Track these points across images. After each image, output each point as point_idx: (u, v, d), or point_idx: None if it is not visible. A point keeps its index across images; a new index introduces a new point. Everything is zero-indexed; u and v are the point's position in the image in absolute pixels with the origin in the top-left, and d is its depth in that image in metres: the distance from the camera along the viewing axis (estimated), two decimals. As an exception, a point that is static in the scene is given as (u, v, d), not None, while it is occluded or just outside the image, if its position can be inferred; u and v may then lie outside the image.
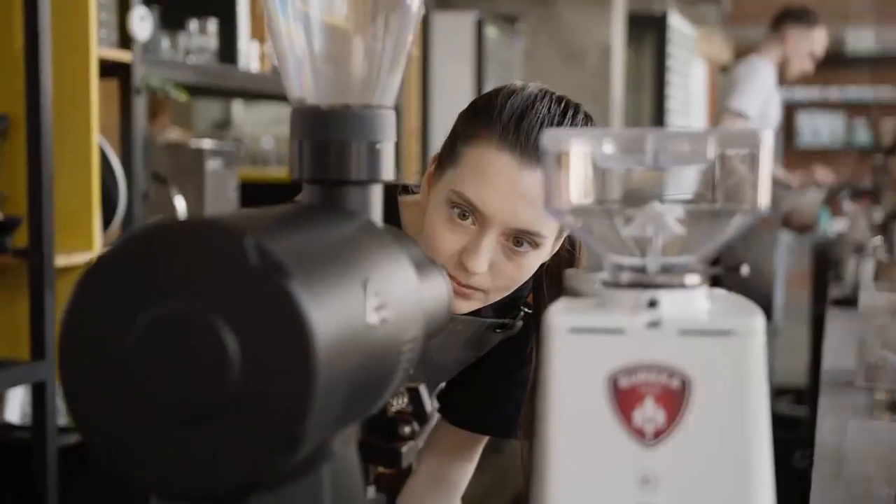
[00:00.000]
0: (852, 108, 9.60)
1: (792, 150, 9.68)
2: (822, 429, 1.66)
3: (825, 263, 4.55)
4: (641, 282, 0.67)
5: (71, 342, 0.61)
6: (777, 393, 5.33)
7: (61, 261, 2.30)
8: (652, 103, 7.21)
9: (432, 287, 0.82)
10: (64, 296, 2.35)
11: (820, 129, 9.65)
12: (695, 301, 0.67)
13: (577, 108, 1.29)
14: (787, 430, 4.76)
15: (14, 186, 2.33)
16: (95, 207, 2.41)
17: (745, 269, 0.69)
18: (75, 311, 0.61)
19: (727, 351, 0.65)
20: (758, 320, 0.66)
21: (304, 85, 0.77)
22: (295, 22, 0.77)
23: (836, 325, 2.58)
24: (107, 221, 2.48)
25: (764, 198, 0.66)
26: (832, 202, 5.80)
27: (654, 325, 0.65)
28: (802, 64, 4.45)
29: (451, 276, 1.23)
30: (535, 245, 1.23)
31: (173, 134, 4.63)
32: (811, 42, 4.42)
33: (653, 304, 0.66)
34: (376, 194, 0.78)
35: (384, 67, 0.78)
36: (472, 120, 1.26)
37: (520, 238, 1.23)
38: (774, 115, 4.44)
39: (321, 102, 0.77)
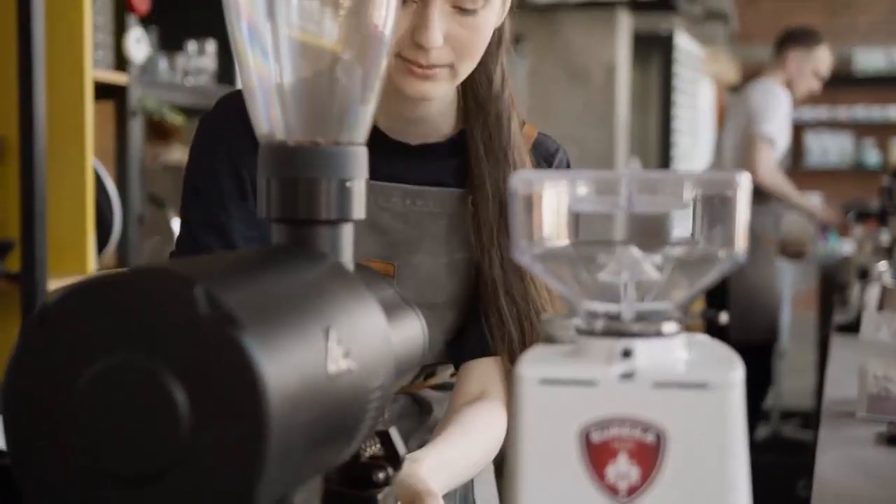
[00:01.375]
0: (861, 128, 9.56)
1: (800, 170, 9.64)
2: (822, 461, 1.62)
3: (831, 286, 4.52)
4: (616, 330, 0.65)
5: (15, 395, 0.58)
6: (783, 416, 5.28)
7: (54, 285, 2.28)
8: (658, 123, 7.18)
9: (404, 329, 0.79)
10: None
11: (828, 148, 9.61)
12: (671, 350, 0.65)
13: None
14: (793, 454, 4.72)
15: (7, 209, 2.31)
16: (89, 231, 2.39)
17: (723, 317, 0.66)
18: (20, 362, 0.59)
19: (704, 404, 0.62)
20: (736, 372, 0.63)
21: (272, 120, 0.75)
22: (263, 55, 0.75)
23: (840, 352, 2.54)
24: (101, 245, 2.46)
25: (742, 243, 0.64)
26: (840, 224, 5.75)
27: (627, 376, 0.63)
28: (808, 84, 4.42)
29: (410, 62, 1.20)
30: (484, 1, 1.20)
31: (176, 153, 4.62)
32: (813, 62, 4.38)
33: (627, 353, 0.63)
34: (347, 234, 0.75)
35: (355, 101, 0.76)
36: None
37: (465, 2, 1.19)
38: (787, 138, 4.44)
39: (290, 138, 0.74)
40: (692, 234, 0.66)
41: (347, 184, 0.74)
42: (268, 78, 0.74)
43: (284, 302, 0.62)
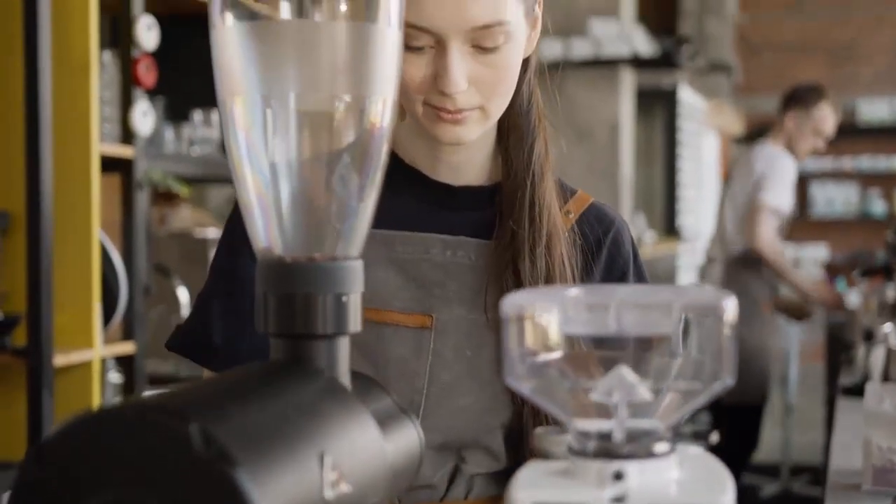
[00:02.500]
0: (866, 178, 9.60)
1: (806, 221, 9.67)
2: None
3: (838, 342, 4.50)
4: (607, 451, 0.65)
5: (14, 529, 0.59)
6: (793, 472, 5.25)
7: (60, 360, 2.29)
8: (663, 176, 7.21)
9: (400, 440, 0.79)
10: (63, 396, 2.34)
11: (834, 199, 9.64)
12: (663, 471, 0.65)
13: None
14: (803, 512, 4.68)
15: (14, 284, 2.33)
16: (96, 305, 2.40)
17: (714, 437, 0.66)
18: (19, 497, 0.59)
19: (695, 529, 0.62)
20: (727, 494, 0.63)
21: (270, 236, 0.76)
22: (260, 172, 0.76)
23: (846, 417, 2.53)
24: (107, 317, 2.47)
25: (729, 367, 0.65)
26: (847, 276, 5.74)
27: (619, 500, 0.63)
28: (809, 143, 4.41)
29: (439, 110, 1.15)
30: (505, 36, 1.14)
31: (185, 213, 4.64)
32: (813, 121, 4.37)
33: (619, 476, 0.64)
34: (343, 347, 0.76)
35: (351, 212, 0.77)
36: None
37: (485, 40, 1.13)
38: (791, 202, 4.44)
39: (287, 254, 0.75)
40: (682, 356, 0.66)
41: (343, 298, 0.75)
42: (265, 195, 0.76)
43: (279, 430, 0.63)
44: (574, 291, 0.68)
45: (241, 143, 0.76)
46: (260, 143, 0.75)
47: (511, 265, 1.22)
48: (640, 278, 1.32)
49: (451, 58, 1.12)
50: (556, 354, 0.67)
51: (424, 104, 1.16)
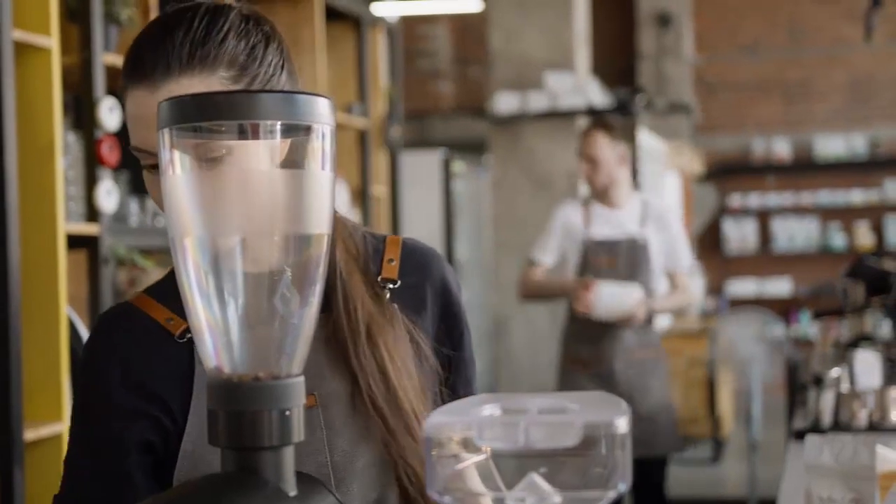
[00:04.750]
0: (826, 213, 9.78)
1: (769, 256, 9.84)
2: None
3: (796, 381, 4.60)
4: (522, 551, 0.74)
5: None
6: (759, 507, 5.33)
7: (30, 435, 2.35)
8: (625, 219, 7.31)
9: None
10: (33, 470, 2.40)
11: (795, 234, 9.80)
12: (571, 569, 0.74)
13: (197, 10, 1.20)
14: (768, 550, 4.75)
15: (-17, 362, 2.38)
16: (64, 379, 2.47)
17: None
18: None
19: None
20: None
21: (218, 357, 0.84)
22: (210, 301, 0.85)
23: (796, 462, 2.60)
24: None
25: (623, 475, 0.73)
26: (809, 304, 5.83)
27: None
28: (584, 170, 4.22)
29: None
30: (227, 149, 1.12)
31: (154, 277, 4.69)
32: (580, 153, 4.24)
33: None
34: (288, 456, 0.84)
35: (293, 330, 0.86)
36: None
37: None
38: (571, 245, 4.21)
39: (234, 373, 0.84)
40: (584, 465, 0.75)
41: (287, 412, 0.83)
42: (213, 321, 0.84)
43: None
44: (488, 409, 0.77)
45: (192, 276, 0.84)
46: (209, 276, 0.84)
47: (347, 362, 1.29)
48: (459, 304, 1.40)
49: None
50: (473, 466, 0.76)
51: None
